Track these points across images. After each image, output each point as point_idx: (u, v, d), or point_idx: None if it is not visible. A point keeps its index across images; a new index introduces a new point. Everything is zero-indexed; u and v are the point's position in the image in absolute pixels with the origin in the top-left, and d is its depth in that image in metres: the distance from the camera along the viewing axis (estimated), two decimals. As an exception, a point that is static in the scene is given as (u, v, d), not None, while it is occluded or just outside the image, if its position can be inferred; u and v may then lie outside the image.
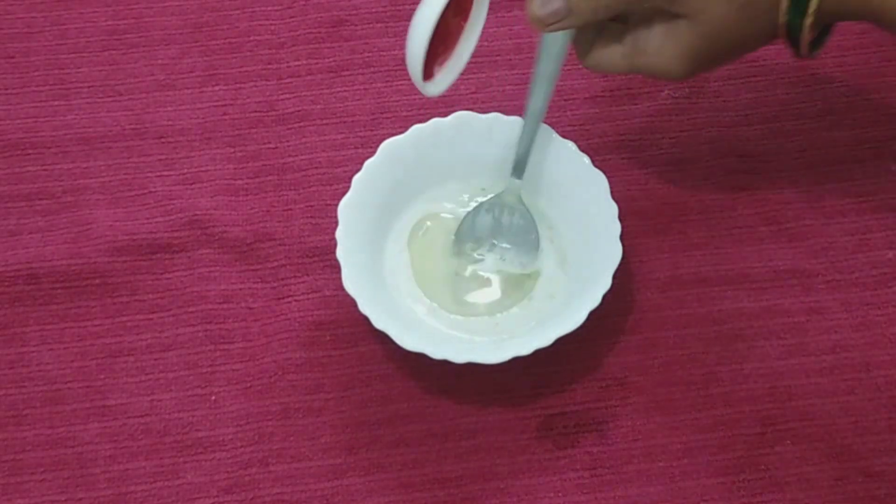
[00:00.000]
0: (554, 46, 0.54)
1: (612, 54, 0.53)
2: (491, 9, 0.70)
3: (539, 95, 0.56)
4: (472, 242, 0.59)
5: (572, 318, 0.53)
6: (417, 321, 0.57)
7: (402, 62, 0.68)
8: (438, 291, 0.58)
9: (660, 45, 0.50)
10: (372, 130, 0.65)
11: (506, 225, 0.59)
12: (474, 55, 0.68)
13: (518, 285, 0.58)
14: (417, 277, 0.58)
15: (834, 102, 0.66)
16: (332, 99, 0.67)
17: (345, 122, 0.66)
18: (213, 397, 0.57)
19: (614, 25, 0.53)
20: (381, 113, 0.66)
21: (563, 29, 0.51)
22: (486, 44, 0.68)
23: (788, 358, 0.57)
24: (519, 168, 0.58)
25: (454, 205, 0.60)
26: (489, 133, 0.60)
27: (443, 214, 0.60)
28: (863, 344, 0.57)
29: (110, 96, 0.67)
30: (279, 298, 0.60)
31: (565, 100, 0.66)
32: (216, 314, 0.59)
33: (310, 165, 0.64)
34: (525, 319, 0.57)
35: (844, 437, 0.55)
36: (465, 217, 0.59)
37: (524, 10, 0.70)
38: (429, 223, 0.60)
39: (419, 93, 0.67)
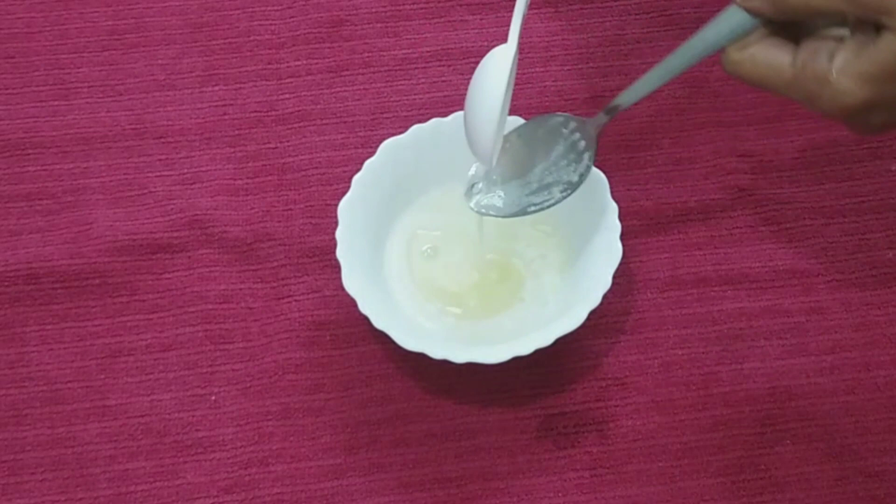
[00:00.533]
0: (728, 21, 0.47)
1: (778, 59, 0.46)
2: (491, 9, 0.70)
3: (685, 54, 0.50)
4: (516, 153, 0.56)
5: (572, 318, 0.53)
6: (417, 321, 0.57)
7: (402, 62, 0.68)
8: (438, 291, 0.58)
9: (847, 59, 0.44)
10: (372, 130, 0.65)
11: (556, 154, 0.55)
12: (474, 55, 0.69)
13: (517, 284, 0.58)
14: (417, 278, 0.58)
15: (834, 102, 0.66)
16: (332, 99, 0.67)
17: (345, 122, 0.66)
18: (213, 397, 0.57)
19: (790, 29, 0.47)
20: (381, 113, 0.66)
21: (754, 11, 0.46)
22: (485, 44, 0.69)
23: (788, 358, 0.57)
24: (613, 109, 0.53)
25: (453, 206, 0.60)
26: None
27: (444, 221, 0.60)
28: (863, 344, 0.57)
29: (110, 96, 0.67)
30: (279, 298, 0.60)
31: (565, 100, 0.66)
32: (216, 314, 0.59)
33: (310, 165, 0.64)
34: (524, 319, 0.57)
35: (844, 437, 0.55)
36: (539, 122, 0.56)
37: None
38: (432, 234, 0.60)
39: (419, 93, 0.67)
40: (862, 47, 0.44)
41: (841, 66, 0.44)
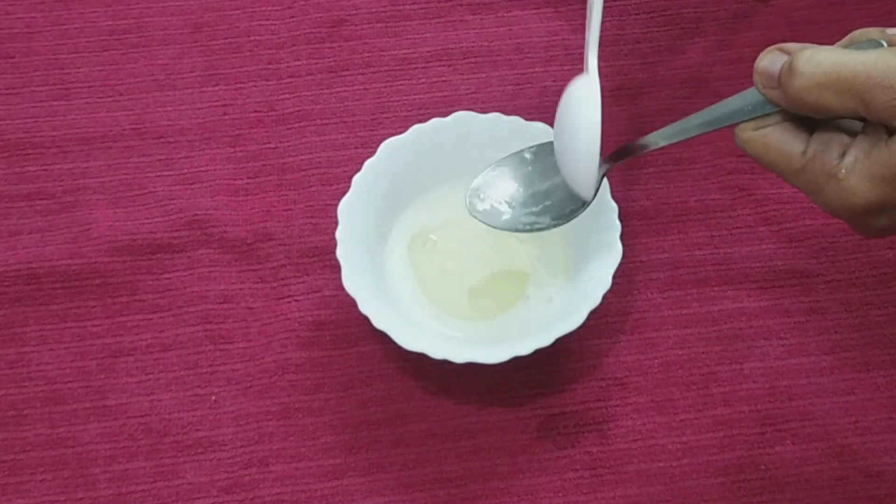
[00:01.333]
0: (752, 97, 0.46)
1: (790, 145, 0.45)
2: (491, 9, 0.70)
3: (704, 117, 0.49)
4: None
5: (572, 318, 0.53)
6: (417, 321, 0.57)
7: (402, 62, 0.68)
8: (438, 291, 0.58)
9: (858, 157, 0.43)
10: (372, 130, 0.65)
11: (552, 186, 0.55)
12: (474, 55, 0.69)
13: (517, 284, 0.58)
14: (418, 278, 0.58)
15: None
16: (332, 99, 0.67)
17: (345, 122, 0.66)
18: (213, 397, 0.57)
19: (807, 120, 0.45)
20: (381, 113, 0.66)
21: (771, 100, 0.45)
22: (485, 44, 0.69)
23: (788, 358, 0.57)
24: (622, 154, 0.53)
25: (453, 206, 0.60)
26: (489, 133, 0.60)
27: (444, 222, 0.60)
28: (863, 344, 0.57)
29: (110, 96, 0.67)
30: (279, 298, 0.60)
31: (565, 100, 0.66)
32: (216, 314, 0.59)
33: (310, 165, 0.64)
34: (525, 320, 0.57)
35: (844, 437, 0.55)
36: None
37: (524, 11, 0.70)
38: (432, 236, 0.60)
39: (419, 93, 0.67)
40: (874, 147, 0.43)
41: (851, 164, 0.43)
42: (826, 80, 0.42)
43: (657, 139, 0.51)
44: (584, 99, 0.52)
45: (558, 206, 0.55)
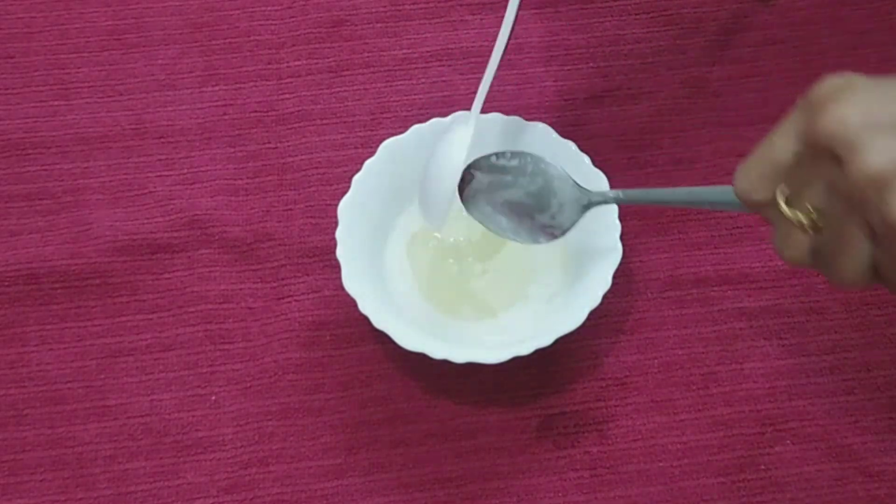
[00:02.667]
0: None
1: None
2: (491, 9, 0.70)
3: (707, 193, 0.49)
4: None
5: (572, 318, 0.53)
6: (417, 321, 0.57)
7: (402, 62, 0.68)
8: (439, 291, 0.58)
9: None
10: (372, 130, 0.65)
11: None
12: (474, 55, 0.69)
13: (517, 284, 0.58)
14: (418, 278, 0.58)
15: (834, 102, 0.66)
16: (332, 99, 0.67)
17: (345, 122, 0.66)
18: (213, 397, 0.57)
19: None
20: (381, 113, 0.66)
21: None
22: (485, 44, 0.69)
23: (788, 358, 0.57)
24: (611, 199, 0.53)
25: (453, 206, 0.60)
26: (489, 133, 0.60)
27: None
28: (863, 344, 0.57)
29: (110, 96, 0.67)
30: (279, 298, 0.60)
31: (565, 100, 0.66)
32: (216, 314, 0.59)
33: (310, 165, 0.64)
34: (525, 320, 0.57)
35: (844, 437, 0.55)
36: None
37: (525, 11, 0.70)
38: (436, 234, 0.60)
39: (419, 93, 0.67)
40: None
41: None
42: None
43: (656, 196, 0.52)
44: (455, 145, 0.55)
45: (527, 228, 0.54)
